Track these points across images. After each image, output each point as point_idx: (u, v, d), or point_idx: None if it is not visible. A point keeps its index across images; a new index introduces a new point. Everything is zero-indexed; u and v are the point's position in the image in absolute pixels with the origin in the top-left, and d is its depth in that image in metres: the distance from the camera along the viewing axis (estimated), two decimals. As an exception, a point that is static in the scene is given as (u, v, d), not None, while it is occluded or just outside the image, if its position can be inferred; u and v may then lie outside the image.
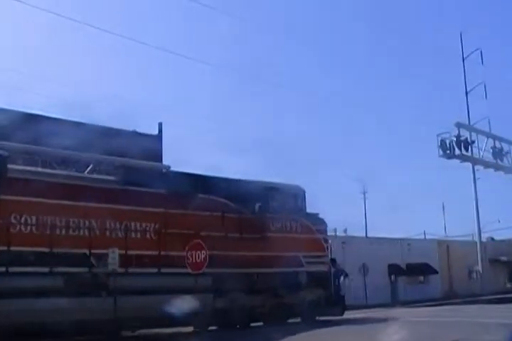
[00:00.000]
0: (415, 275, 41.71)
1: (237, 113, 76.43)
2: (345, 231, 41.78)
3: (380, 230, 56.63)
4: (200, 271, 15.56)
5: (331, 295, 19.35)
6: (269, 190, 18.41)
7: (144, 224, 15.67)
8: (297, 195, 19.20)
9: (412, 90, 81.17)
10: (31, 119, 21.53)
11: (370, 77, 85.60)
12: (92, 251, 14.39)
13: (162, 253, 15.39)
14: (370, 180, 56.99)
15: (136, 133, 26.07)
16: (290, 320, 18.91)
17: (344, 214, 59.51)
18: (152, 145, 25.31)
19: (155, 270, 15.20)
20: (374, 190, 68.41)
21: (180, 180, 16.54)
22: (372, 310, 29.33)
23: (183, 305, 15.07)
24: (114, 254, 14.41)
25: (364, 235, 45.34)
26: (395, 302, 36.04)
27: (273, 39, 75.81)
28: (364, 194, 53.76)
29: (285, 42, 74.41)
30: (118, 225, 15.24)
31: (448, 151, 38.34)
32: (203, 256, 15.46)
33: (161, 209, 16.01)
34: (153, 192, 15.96)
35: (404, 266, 40.50)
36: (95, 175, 16.07)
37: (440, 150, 38.27)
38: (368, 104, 72.23)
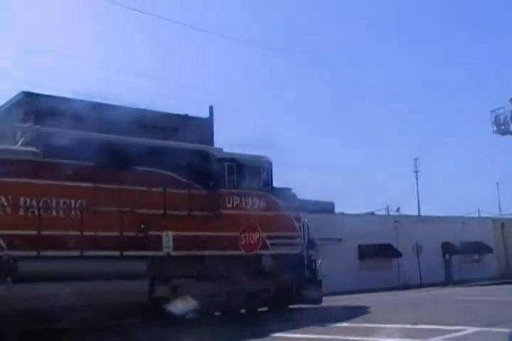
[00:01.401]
0: (470, 254, 39.46)
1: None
2: (397, 210, 40.50)
3: (433, 209, 55.88)
4: (254, 252, 15.73)
5: (305, 281, 16.96)
6: (227, 162, 16.04)
7: (66, 201, 13.64)
8: (262, 168, 16.76)
9: (466, 66, 78.26)
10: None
11: (427, 54, 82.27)
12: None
13: (86, 233, 13.30)
14: (422, 159, 54.50)
15: (187, 117, 25.71)
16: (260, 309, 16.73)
17: (397, 193, 57.86)
18: (204, 128, 25.94)
19: (77, 253, 13.16)
20: (427, 168, 69.31)
21: (114, 150, 14.41)
22: (427, 289, 28.66)
23: (110, 293, 13.16)
24: (168, 237, 14.23)
25: (417, 214, 43.52)
26: (449, 281, 34.63)
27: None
28: (416, 172, 51.05)
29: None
30: (34, 202, 13.25)
31: (502, 127, 36.72)
32: (256, 238, 15.76)
33: (89, 184, 13.93)
34: (78, 164, 13.85)
35: (458, 245, 38.32)
36: (13, 147, 14.00)
37: (494, 126, 36.85)
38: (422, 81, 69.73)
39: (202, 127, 25.50)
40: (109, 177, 14.06)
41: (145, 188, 14.37)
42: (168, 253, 14.27)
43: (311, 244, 17.68)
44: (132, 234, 13.89)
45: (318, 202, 33.78)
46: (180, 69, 66.34)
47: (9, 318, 11.81)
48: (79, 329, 12.71)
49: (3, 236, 12.47)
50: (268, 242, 16.26)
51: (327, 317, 14.39)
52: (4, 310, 11.73)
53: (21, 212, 12.88)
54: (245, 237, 15.80)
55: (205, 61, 68.01)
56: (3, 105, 23.96)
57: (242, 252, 15.62)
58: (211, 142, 24.85)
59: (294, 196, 17.55)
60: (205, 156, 15.83)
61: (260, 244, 15.94)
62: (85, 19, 59.93)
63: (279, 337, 11.90)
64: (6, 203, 12.78)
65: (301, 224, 17.26)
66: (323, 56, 74.27)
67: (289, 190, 17.57)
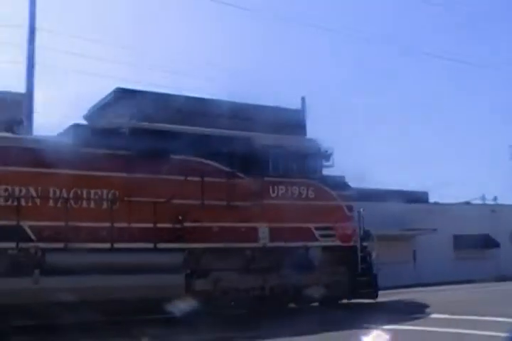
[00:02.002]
0: None
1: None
2: (495, 199, 38.45)
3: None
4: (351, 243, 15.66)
5: (359, 274, 15.83)
6: (272, 148, 15.09)
7: (98, 192, 13.20)
8: (311, 155, 15.72)
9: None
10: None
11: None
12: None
13: (117, 225, 12.83)
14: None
15: (279, 108, 26.03)
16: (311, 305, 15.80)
17: (492, 182, 55.18)
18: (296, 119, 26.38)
19: (107, 245, 12.72)
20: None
21: (147, 138, 13.84)
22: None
23: (141, 287, 12.67)
24: (264, 229, 14.23)
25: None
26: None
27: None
28: (513, 160, 48.34)
29: None
30: (65, 193, 12.89)
31: None
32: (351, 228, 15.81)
33: (123, 174, 13.44)
34: (112, 153, 13.37)
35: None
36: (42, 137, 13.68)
37: None
38: None
39: (294, 118, 25.79)
40: (142, 167, 13.54)
41: (180, 177, 13.74)
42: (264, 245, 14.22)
43: (366, 236, 16.50)
44: (167, 225, 13.37)
45: (412, 193, 32.98)
46: (269, 61, 65.33)
47: (36, 310, 11.63)
48: (107, 324, 12.44)
49: (33, 228, 12.32)
50: (317, 233, 15.27)
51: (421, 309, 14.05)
52: (32, 302, 11.54)
53: (51, 202, 12.63)
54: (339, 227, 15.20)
55: (296, 52, 66.67)
56: (100, 102, 24.55)
57: (287, 244, 14.73)
58: (303, 133, 25.03)
59: (346, 185, 16.36)
60: (249, 143, 14.95)
61: (305, 236, 15.02)
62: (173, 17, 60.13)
63: (392, 329, 10.81)
64: (35, 194, 12.60)
65: (356, 214, 16.11)
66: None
67: (342, 177, 16.42)
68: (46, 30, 22.33)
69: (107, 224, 12.70)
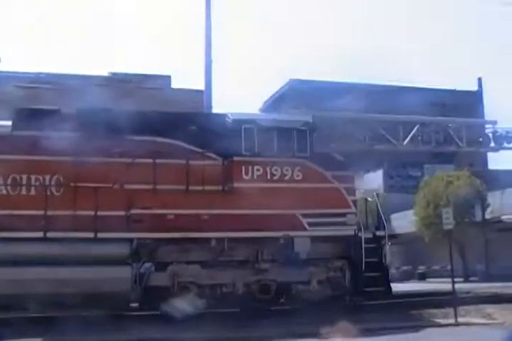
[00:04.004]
0: None
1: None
2: None
3: None
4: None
5: (363, 269, 13.19)
6: (245, 124, 13.06)
7: (40, 178, 12.14)
8: (297, 130, 13.24)
9: None
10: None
11: None
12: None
13: (50, 213, 11.65)
14: None
15: (454, 91, 25.58)
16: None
17: None
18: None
19: (40, 234, 11.60)
20: None
21: (99, 119, 12.58)
22: None
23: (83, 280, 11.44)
24: (448, 214, 13.32)
25: None
26: None
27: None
28: None
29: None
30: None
31: None
32: None
33: (66, 158, 12.26)
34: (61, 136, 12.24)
35: None
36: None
37: None
38: None
39: (470, 100, 25.23)
40: (93, 150, 12.30)
41: (128, 160, 12.29)
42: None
43: (381, 224, 13.84)
44: (113, 212, 11.99)
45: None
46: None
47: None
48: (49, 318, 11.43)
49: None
50: (304, 221, 12.98)
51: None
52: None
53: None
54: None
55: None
56: (274, 94, 24.69)
57: (262, 233, 12.64)
58: (481, 115, 23.02)
59: (343, 164, 13.78)
60: (220, 121, 13.13)
61: (288, 224, 12.80)
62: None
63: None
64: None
65: (354, 198, 13.52)
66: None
67: (340, 155, 13.90)
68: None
69: (42, 212, 11.66)
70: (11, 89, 24.68)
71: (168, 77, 31.52)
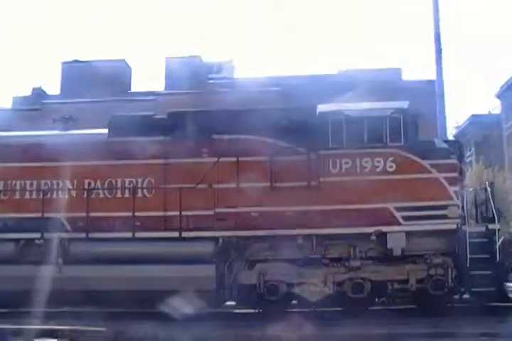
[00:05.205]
0: None
1: None
2: None
3: None
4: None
5: (470, 267, 11.88)
6: (332, 115, 12.45)
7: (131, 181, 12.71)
8: (388, 118, 12.29)
9: None
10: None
11: None
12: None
13: (138, 214, 12.16)
14: None
15: None
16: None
17: None
18: None
19: (129, 234, 12.16)
20: None
21: (187, 121, 12.88)
22: None
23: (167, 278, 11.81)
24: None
25: None
26: None
27: None
28: None
29: None
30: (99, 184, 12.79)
31: None
32: None
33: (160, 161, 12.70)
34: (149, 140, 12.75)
35: None
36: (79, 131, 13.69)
37: None
38: None
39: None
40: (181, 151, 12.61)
41: (214, 159, 12.39)
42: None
43: (495, 217, 12.39)
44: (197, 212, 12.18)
45: None
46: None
47: (60, 297, 11.75)
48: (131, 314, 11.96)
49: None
50: (398, 215, 12.07)
51: None
52: (55, 290, 11.64)
53: (74, 194, 12.71)
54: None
55: None
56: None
57: (351, 230, 11.99)
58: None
59: (444, 151, 12.46)
60: (307, 114, 12.66)
61: (380, 219, 11.98)
62: None
63: None
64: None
65: (458, 189, 12.21)
66: None
67: (440, 142, 12.64)
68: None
69: (130, 213, 12.23)
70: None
71: (398, 70, 31.39)
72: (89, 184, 12.75)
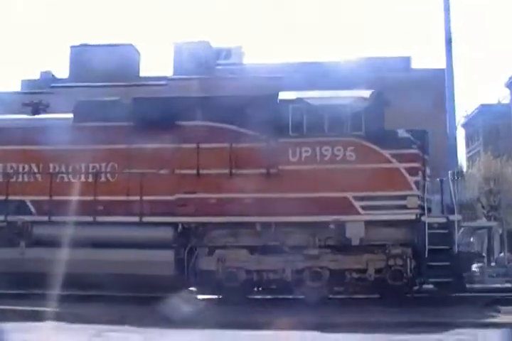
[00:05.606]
0: None
1: None
2: None
3: None
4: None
5: (429, 257, 11.77)
6: (293, 103, 12.43)
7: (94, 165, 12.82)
8: (351, 107, 12.24)
9: None
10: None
11: None
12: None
13: (100, 198, 12.30)
14: None
15: None
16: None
17: None
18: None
19: (90, 218, 12.31)
20: None
21: (151, 107, 12.94)
22: None
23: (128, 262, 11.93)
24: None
25: None
26: None
27: None
28: None
29: None
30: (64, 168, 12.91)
31: None
32: None
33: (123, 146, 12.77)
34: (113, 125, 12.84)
35: None
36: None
37: None
38: None
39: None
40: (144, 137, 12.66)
41: (175, 146, 12.43)
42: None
43: (451, 208, 12.31)
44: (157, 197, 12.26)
45: None
46: None
47: (22, 279, 12.02)
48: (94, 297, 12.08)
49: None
50: (357, 204, 12.04)
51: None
52: (18, 272, 11.97)
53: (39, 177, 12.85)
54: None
55: None
56: None
57: (309, 218, 11.98)
58: None
59: (406, 141, 12.30)
60: (268, 101, 12.63)
61: (338, 208, 11.97)
62: None
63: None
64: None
65: (418, 179, 12.10)
66: None
67: (402, 132, 12.50)
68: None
69: (92, 198, 12.36)
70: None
71: (408, 58, 31.11)
72: (54, 168, 12.91)
